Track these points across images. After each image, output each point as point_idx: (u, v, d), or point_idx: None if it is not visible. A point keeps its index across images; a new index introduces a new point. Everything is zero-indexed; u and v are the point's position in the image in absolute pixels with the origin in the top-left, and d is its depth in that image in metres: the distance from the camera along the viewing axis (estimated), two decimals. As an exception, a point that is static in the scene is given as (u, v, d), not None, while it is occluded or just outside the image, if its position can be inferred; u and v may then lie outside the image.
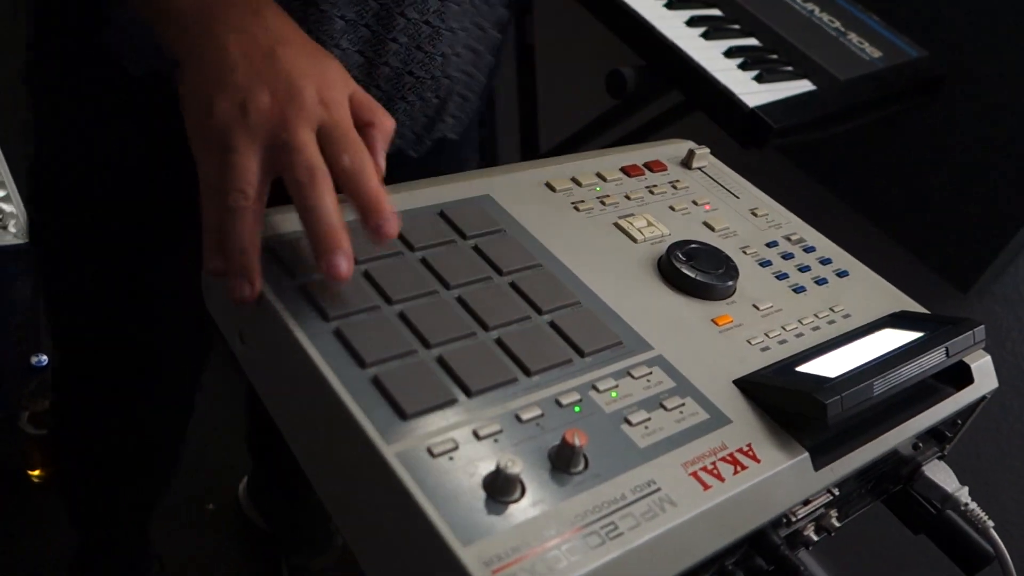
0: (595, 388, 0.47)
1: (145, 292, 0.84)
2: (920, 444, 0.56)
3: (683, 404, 0.47)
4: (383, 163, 0.51)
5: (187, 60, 0.50)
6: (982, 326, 0.54)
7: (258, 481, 1.47)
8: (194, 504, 1.48)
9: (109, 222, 0.79)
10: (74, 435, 1.08)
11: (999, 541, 0.56)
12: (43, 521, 1.43)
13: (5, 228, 1.37)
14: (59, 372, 1.03)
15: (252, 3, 0.51)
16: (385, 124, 0.52)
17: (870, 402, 0.47)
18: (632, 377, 0.48)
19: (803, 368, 0.51)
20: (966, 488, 0.57)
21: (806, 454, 0.47)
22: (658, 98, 1.14)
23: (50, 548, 1.38)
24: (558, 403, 0.45)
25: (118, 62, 0.69)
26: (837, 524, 0.53)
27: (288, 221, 0.52)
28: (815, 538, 0.51)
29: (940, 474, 0.57)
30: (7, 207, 1.38)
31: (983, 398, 0.58)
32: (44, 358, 1.36)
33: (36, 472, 1.46)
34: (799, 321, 0.56)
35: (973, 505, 0.56)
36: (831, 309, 0.58)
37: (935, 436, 0.57)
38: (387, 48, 0.69)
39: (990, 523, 0.56)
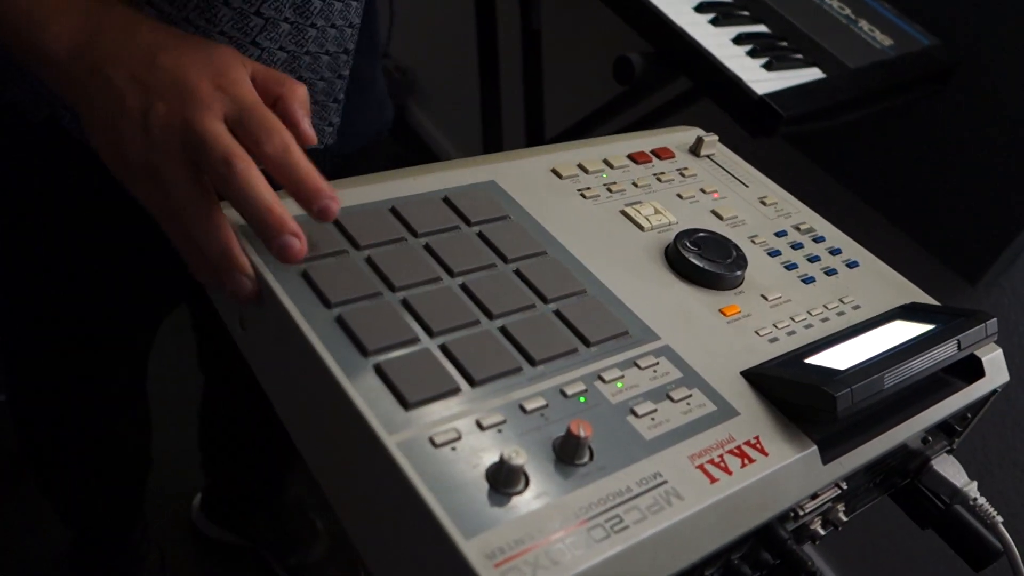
0: (601, 378, 0.46)
1: (82, 282, 0.83)
2: (929, 438, 0.55)
3: (690, 395, 0.47)
4: (311, 130, 0.49)
5: (80, 103, 0.49)
6: (994, 319, 0.53)
7: (215, 496, 1.42)
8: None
9: (51, 243, 0.79)
10: (36, 441, 1.08)
11: (1008, 537, 0.55)
12: (42, 512, 1.43)
13: None
14: (10, 378, 1.02)
15: (125, 27, 0.50)
16: (297, 91, 0.50)
17: (880, 395, 0.46)
18: (638, 367, 0.47)
19: (812, 360, 0.50)
20: (975, 483, 0.56)
21: (815, 447, 0.46)
22: (666, 85, 1.13)
23: (49, 540, 1.38)
24: (563, 393, 0.44)
25: (20, 112, 0.68)
26: (844, 518, 0.52)
27: (290, 206, 0.51)
28: (822, 532, 0.51)
29: (949, 468, 0.56)
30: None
31: (994, 392, 0.57)
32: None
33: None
34: (808, 312, 0.56)
35: (982, 500, 0.56)
36: (841, 300, 0.57)
37: (944, 430, 0.56)
38: (306, 36, 0.66)
39: (999, 518, 0.55)
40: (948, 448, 0.58)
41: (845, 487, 0.49)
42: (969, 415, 0.57)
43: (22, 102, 0.68)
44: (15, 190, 0.76)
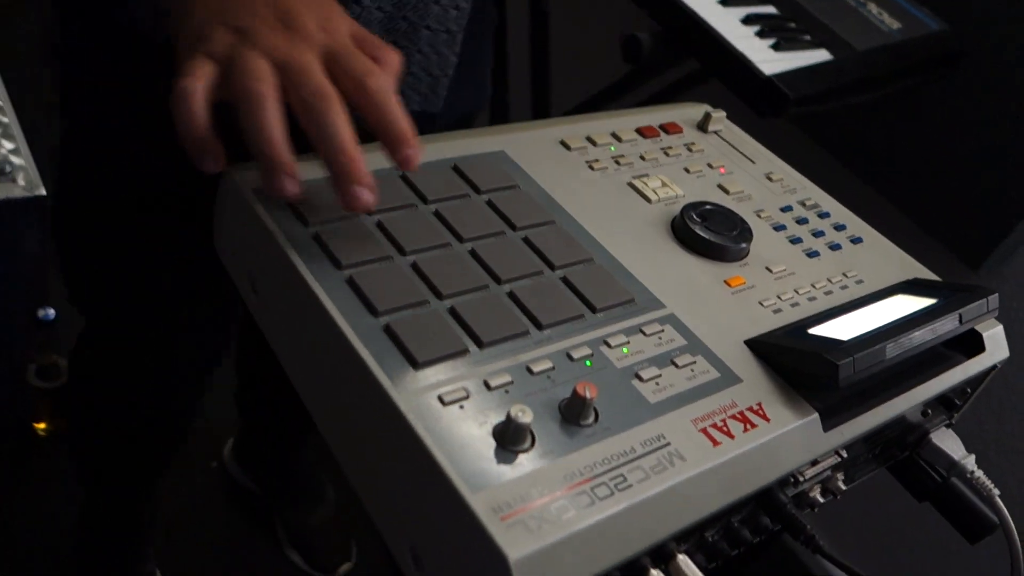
0: (606, 343, 0.47)
1: (173, 267, 0.83)
2: (929, 411, 0.56)
3: (694, 362, 0.47)
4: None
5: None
6: (995, 294, 0.53)
7: (246, 442, 1.46)
8: (198, 461, 1.49)
9: (138, 196, 0.78)
10: (89, 392, 1.08)
11: (1004, 509, 0.56)
12: (49, 474, 1.44)
13: (14, 181, 1.37)
14: (84, 331, 1.02)
15: None
16: (392, 60, 0.50)
17: (882, 365, 0.47)
18: (644, 334, 0.48)
19: (815, 330, 0.51)
20: (972, 456, 0.57)
21: (816, 415, 0.47)
22: (674, 65, 1.13)
23: (55, 500, 1.40)
24: (569, 357, 0.45)
25: (141, 33, 0.68)
26: (843, 487, 0.53)
27: (302, 169, 0.52)
28: (821, 500, 0.52)
29: (947, 441, 0.57)
30: (17, 160, 1.37)
31: (994, 367, 0.57)
32: (51, 312, 1.36)
33: (42, 425, 1.47)
34: (812, 285, 0.56)
35: (979, 473, 0.56)
36: (844, 274, 0.58)
37: (944, 404, 0.57)
38: (406, 3, 0.68)
39: (995, 491, 0.56)
40: (947, 422, 0.59)
41: (845, 455, 0.49)
42: (969, 390, 0.58)
43: (142, 20, 0.67)
44: (123, 111, 0.75)
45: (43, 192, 1.46)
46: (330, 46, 0.47)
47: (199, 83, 0.45)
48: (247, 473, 1.46)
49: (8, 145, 1.42)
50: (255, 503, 1.45)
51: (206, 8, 0.47)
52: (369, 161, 0.53)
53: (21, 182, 1.50)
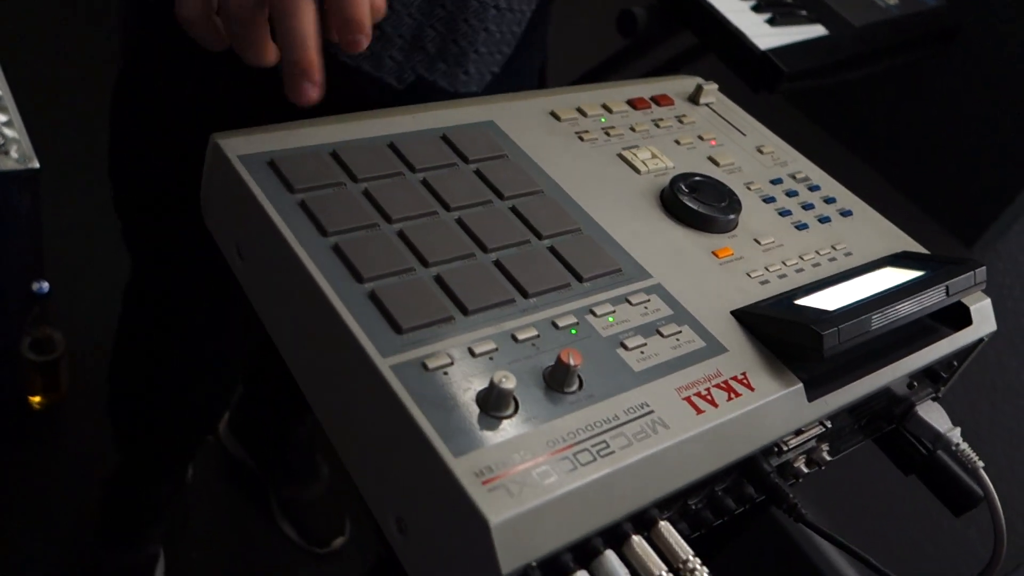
0: (592, 312, 0.47)
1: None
2: (915, 383, 0.56)
3: (680, 332, 0.47)
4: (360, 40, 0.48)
5: None
6: (983, 267, 0.53)
7: (242, 415, 1.47)
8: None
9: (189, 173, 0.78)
10: (135, 349, 1.08)
11: (988, 482, 0.56)
12: (43, 447, 1.45)
13: (7, 154, 1.36)
14: (133, 291, 1.02)
15: None
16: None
17: (867, 336, 0.47)
18: (630, 303, 0.48)
19: (801, 301, 0.51)
20: (958, 429, 0.57)
21: (800, 385, 0.47)
22: (669, 39, 1.12)
23: (50, 473, 1.40)
24: (554, 325, 0.45)
25: None
26: (828, 458, 0.53)
27: (289, 137, 0.52)
28: (806, 470, 0.52)
29: (933, 414, 0.57)
30: (9, 132, 1.37)
31: (980, 340, 0.57)
32: (45, 285, 1.36)
33: (37, 398, 1.48)
34: (800, 257, 0.56)
35: (964, 445, 0.56)
36: (833, 247, 0.58)
37: (930, 376, 0.57)
38: None
39: (980, 463, 0.56)
40: (934, 395, 0.59)
41: (829, 426, 0.50)
42: (955, 363, 0.58)
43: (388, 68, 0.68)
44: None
45: (36, 165, 1.45)
46: None
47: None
48: (243, 446, 1.47)
49: (2, 118, 1.41)
50: (249, 477, 1.46)
51: None
52: (350, 131, 0.53)
53: (15, 155, 1.49)
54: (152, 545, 1.31)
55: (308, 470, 1.44)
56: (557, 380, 0.42)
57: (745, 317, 0.49)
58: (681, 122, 0.66)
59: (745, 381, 0.46)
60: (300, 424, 1.41)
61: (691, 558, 0.40)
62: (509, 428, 0.39)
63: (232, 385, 1.14)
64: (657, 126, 0.64)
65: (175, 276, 0.92)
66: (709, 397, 0.44)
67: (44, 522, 1.35)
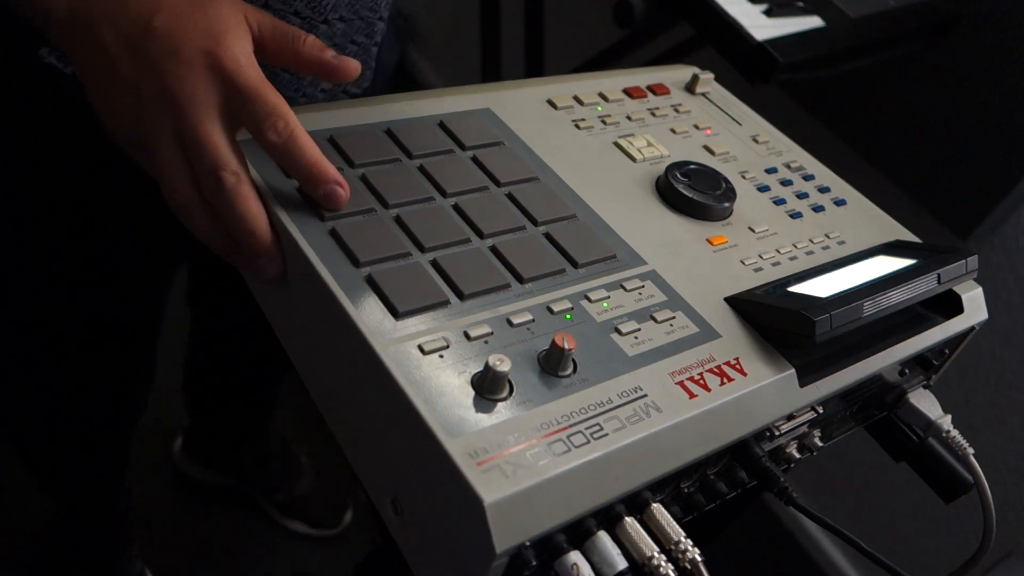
0: (587, 298, 0.47)
1: (100, 271, 0.79)
2: (907, 371, 0.57)
3: (673, 317, 0.48)
4: (348, 60, 0.49)
5: (78, 66, 0.47)
6: (975, 256, 0.54)
7: (199, 440, 1.41)
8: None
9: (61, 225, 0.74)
10: (25, 407, 1.01)
11: (978, 468, 0.57)
12: (23, 484, 1.42)
13: None
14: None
15: None
16: (309, 41, 0.48)
17: (859, 323, 0.47)
18: (624, 289, 0.49)
19: (794, 288, 0.51)
20: (949, 416, 0.58)
21: (792, 370, 0.47)
22: (666, 30, 1.13)
23: (31, 511, 1.38)
24: (549, 310, 0.46)
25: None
26: (820, 444, 0.54)
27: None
28: (798, 456, 0.52)
29: (924, 401, 0.58)
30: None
31: (972, 329, 0.58)
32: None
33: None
34: (794, 245, 0.57)
35: (955, 432, 0.57)
36: (826, 235, 0.59)
37: (922, 364, 0.58)
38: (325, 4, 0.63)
39: (970, 450, 0.57)
40: (925, 383, 0.60)
41: (821, 411, 0.50)
42: (947, 351, 0.59)
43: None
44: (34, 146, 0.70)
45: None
46: (223, 90, 0.45)
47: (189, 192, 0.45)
48: (206, 467, 1.41)
49: None
50: (235, 495, 1.43)
51: (94, 78, 0.46)
52: (348, 118, 0.53)
53: None
54: (134, 563, 1.29)
55: (291, 466, 1.43)
56: (552, 364, 0.42)
57: (738, 303, 0.50)
58: (677, 111, 0.66)
59: (738, 366, 0.46)
60: (270, 426, 1.38)
61: (683, 539, 0.41)
62: (504, 411, 0.40)
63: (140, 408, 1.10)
64: (653, 115, 0.65)
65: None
66: (702, 382, 0.45)
67: (42, 514, 1.34)
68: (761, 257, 0.55)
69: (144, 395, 1.06)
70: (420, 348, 0.41)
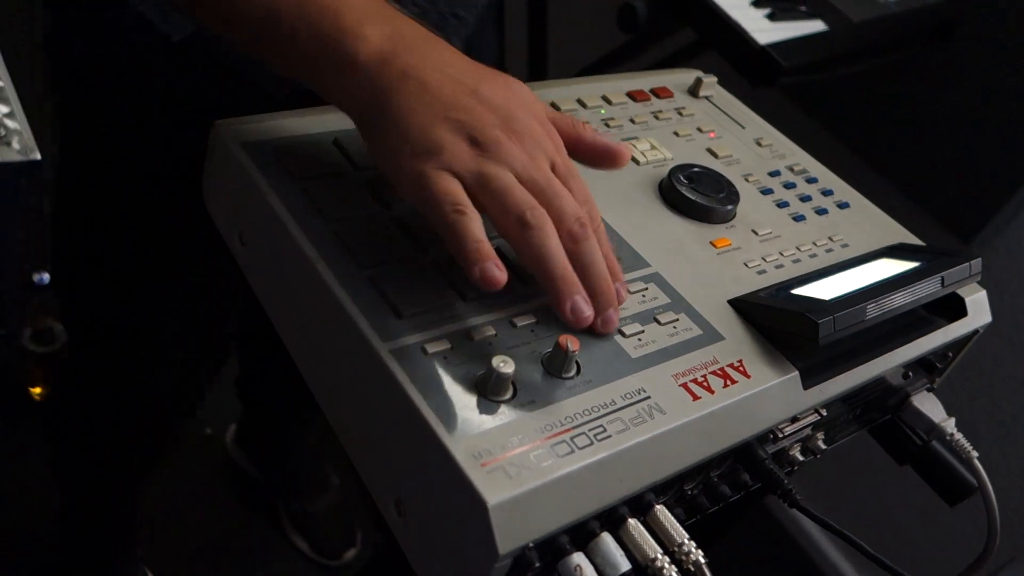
0: (590, 300, 0.47)
1: (168, 261, 0.81)
2: (910, 374, 0.57)
3: (677, 319, 0.48)
4: (623, 147, 0.50)
5: (381, 107, 0.44)
6: (979, 259, 0.54)
7: (248, 428, 1.45)
8: (190, 427, 1.47)
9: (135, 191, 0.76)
10: (82, 391, 1.04)
11: (982, 472, 0.57)
12: (45, 438, 1.45)
13: (9, 145, 1.37)
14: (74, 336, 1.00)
15: (424, 37, 0.47)
16: (589, 128, 0.50)
17: (862, 325, 0.47)
18: (628, 292, 0.49)
19: (798, 291, 0.51)
20: (952, 419, 0.58)
21: (796, 373, 0.47)
22: (670, 34, 1.13)
23: (52, 464, 1.40)
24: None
25: (151, 29, 0.65)
26: (823, 447, 0.53)
27: (291, 125, 0.52)
28: (801, 458, 0.52)
29: (928, 404, 0.58)
30: (11, 123, 1.37)
31: (976, 332, 0.58)
32: (46, 276, 1.36)
33: (38, 390, 1.48)
34: (797, 248, 0.57)
35: (959, 436, 0.57)
36: (830, 238, 0.59)
37: (925, 367, 0.58)
38: None
39: (974, 453, 0.57)
40: (928, 386, 0.60)
41: (824, 414, 0.50)
42: (950, 354, 0.59)
43: (265, 82, 0.64)
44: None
45: (38, 156, 1.46)
46: (551, 157, 0.46)
47: (477, 224, 0.43)
48: (250, 459, 1.45)
49: (3, 109, 1.41)
50: (257, 490, 1.44)
51: (424, 105, 0.44)
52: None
53: (16, 146, 1.50)
54: (137, 566, 1.29)
55: (317, 481, 1.43)
56: (555, 365, 0.42)
57: (742, 306, 0.50)
58: (680, 114, 0.66)
59: (741, 369, 0.46)
60: (307, 433, 1.40)
61: (686, 541, 0.41)
62: (507, 412, 0.40)
63: (183, 411, 1.12)
64: (656, 118, 0.65)
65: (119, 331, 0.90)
66: (705, 384, 0.45)
67: (44, 514, 1.35)
68: (764, 260, 0.55)
69: (186, 402, 1.07)
70: (423, 349, 0.41)
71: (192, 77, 0.67)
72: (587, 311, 0.43)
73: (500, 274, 0.41)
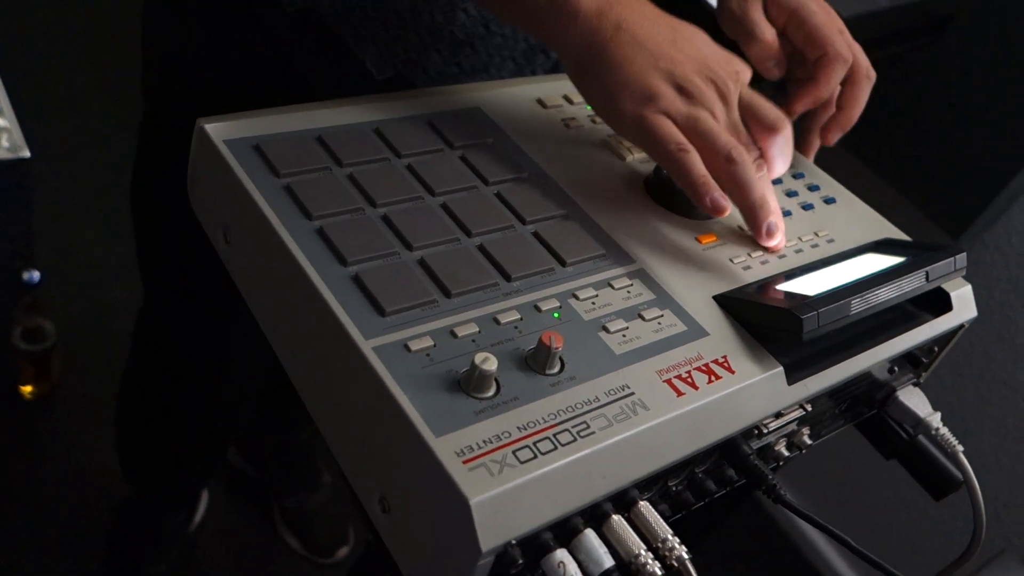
0: (575, 296, 0.47)
1: None
2: (896, 369, 0.57)
3: (661, 316, 0.48)
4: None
5: (596, 53, 0.51)
6: (963, 253, 0.54)
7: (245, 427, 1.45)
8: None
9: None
10: (147, 374, 1.08)
11: (967, 466, 0.57)
12: (35, 437, 1.44)
13: (-2, 142, 1.36)
14: (148, 322, 1.02)
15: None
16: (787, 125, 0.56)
17: (846, 320, 0.47)
18: (612, 288, 0.49)
19: (783, 286, 0.51)
20: (938, 413, 0.58)
21: (780, 368, 0.47)
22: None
23: (44, 464, 1.40)
24: (537, 308, 0.46)
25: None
26: (809, 442, 0.54)
27: (275, 121, 0.52)
28: (787, 454, 0.52)
29: (914, 399, 0.58)
30: (1, 122, 1.36)
31: (961, 326, 0.58)
32: (36, 274, 1.35)
33: (28, 388, 1.48)
34: (783, 243, 0.57)
35: (944, 430, 0.57)
36: (815, 233, 0.59)
37: (911, 362, 0.58)
38: None
39: (960, 447, 0.57)
40: (914, 381, 0.60)
41: (810, 409, 0.50)
42: (936, 348, 0.59)
43: (371, 61, 0.67)
44: None
45: (27, 154, 1.46)
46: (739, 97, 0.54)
47: (700, 161, 0.50)
48: (243, 457, 1.45)
49: (-8, 107, 1.40)
50: (251, 487, 1.44)
51: (639, 55, 0.51)
52: (336, 117, 0.53)
53: (5, 143, 1.49)
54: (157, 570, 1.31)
55: (310, 478, 1.43)
56: (538, 362, 0.42)
57: (727, 302, 0.50)
58: (667, 110, 0.66)
59: (726, 364, 0.46)
60: (299, 433, 1.40)
61: (670, 537, 0.41)
62: (490, 409, 0.40)
63: (239, 412, 1.13)
64: (643, 114, 0.65)
65: (192, 305, 0.93)
66: (690, 380, 0.45)
67: (40, 512, 1.34)
68: (750, 255, 0.55)
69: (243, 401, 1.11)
70: (407, 347, 0.41)
71: (300, 50, 0.69)
72: (779, 231, 0.53)
73: (727, 203, 0.50)
